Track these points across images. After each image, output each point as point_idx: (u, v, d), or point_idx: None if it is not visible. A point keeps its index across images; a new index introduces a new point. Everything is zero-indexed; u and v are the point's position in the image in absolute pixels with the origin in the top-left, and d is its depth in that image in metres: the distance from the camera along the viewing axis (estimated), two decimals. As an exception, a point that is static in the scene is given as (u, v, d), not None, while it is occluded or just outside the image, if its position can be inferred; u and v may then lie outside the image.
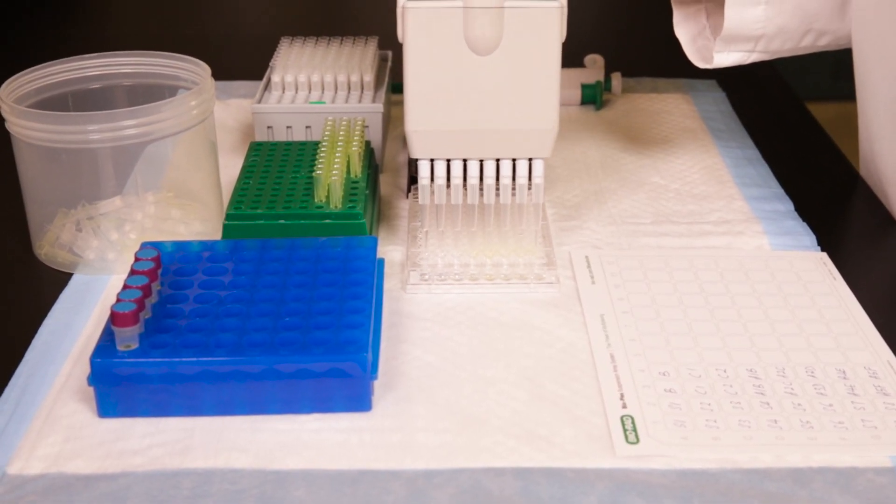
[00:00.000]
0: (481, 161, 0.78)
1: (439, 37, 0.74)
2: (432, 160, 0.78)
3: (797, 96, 1.18)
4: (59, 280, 0.80)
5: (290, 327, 0.66)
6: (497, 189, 0.79)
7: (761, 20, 0.90)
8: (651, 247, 0.84)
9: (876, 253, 0.85)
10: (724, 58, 0.93)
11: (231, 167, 0.93)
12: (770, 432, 0.63)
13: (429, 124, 0.76)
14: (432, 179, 0.78)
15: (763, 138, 1.04)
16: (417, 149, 0.77)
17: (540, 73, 0.76)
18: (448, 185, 0.79)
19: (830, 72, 2.06)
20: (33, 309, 0.76)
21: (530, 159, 0.78)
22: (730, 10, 0.90)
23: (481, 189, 0.79)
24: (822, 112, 1.39)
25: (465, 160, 0.78)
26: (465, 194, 0.79)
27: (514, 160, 0.78)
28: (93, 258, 0.80)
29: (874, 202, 0.93)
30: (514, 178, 0.79)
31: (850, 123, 0.99)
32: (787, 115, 1.14)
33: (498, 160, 0.78)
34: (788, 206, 0.90)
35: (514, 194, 0.79)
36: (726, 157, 1.00)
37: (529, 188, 0.79)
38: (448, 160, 0.78)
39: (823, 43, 0.95)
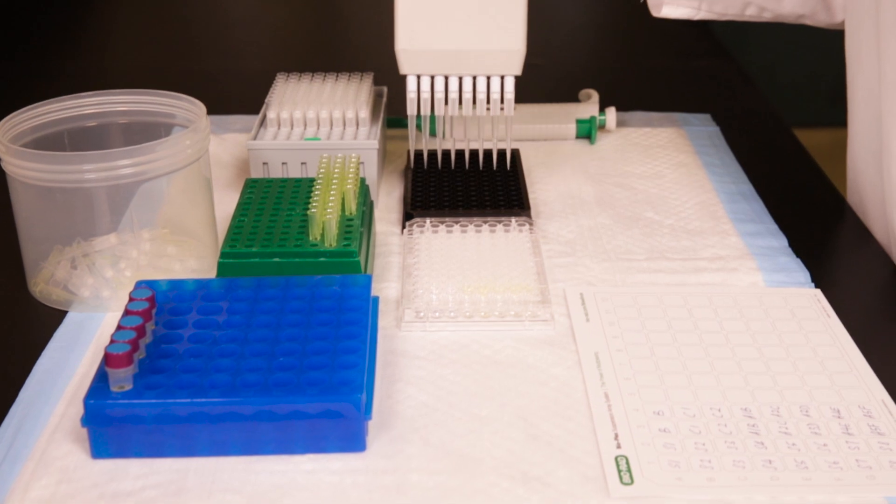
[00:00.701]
0: (461, 78, 0.92)
1: None
2: (419, 77, 0.92)
3: (791, 130, 1.19)
4: (54, 318, 0.80)
5: (284, 367, 0.66)
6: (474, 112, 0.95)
7: None
8: (645, 283, 0.84)
9: (869, 290, 0.85)
10: (672, 10, 1.05)
11: (226, 202, 0.94)
12: (765, 473, 0.63)
13: (416, 44, 0.91)
14: (419, 97, 0.93)
15: (757, 173, 1.05)
16: (406, 65, 0.92)
17: (508, 1, 0.90)
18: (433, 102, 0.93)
19: (827, 98, 2.07)
20: (28, 347, 0.76)
21: (502, 77, 0.92)
22: None
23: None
24: (818, 138, 1.40)
25: (446, 77, 0.92)
26: (446, 110, 0.94)
27: (488, 79, 0.93)
28: (87, 296, 0.80)
29: (867, 238, 0.93)
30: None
31: (844, 151, 1.00)
32: (781, 149, 1.14)
33: (475, 78, 0.92)
34: (782, 241, 0.90)
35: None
36: (720, 192, 1.00)
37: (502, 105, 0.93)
38: (432, 77, 0.92)
39: (768, 17, 1.06)
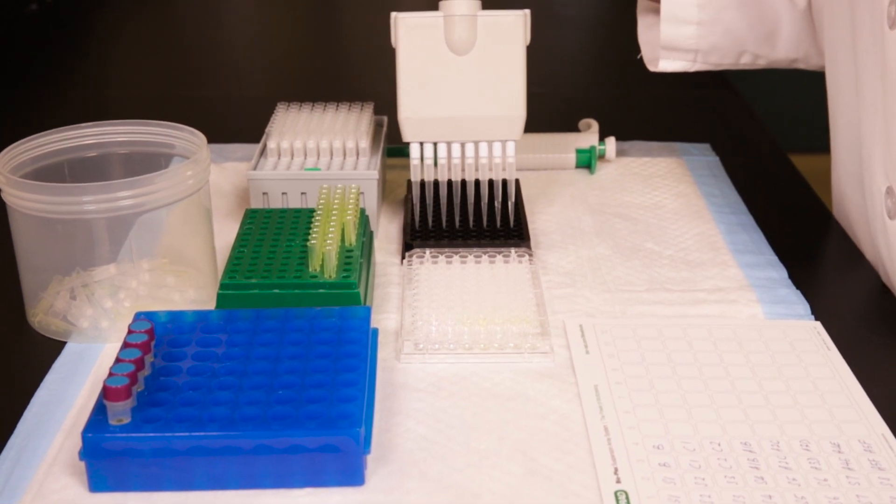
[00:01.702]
0: (462, 145, 0.93)
1: (425, 40, 0.91)
2: (422, 144, 0.93)
3: (790, 160, 1.19)
4: (53, 348, 0.80)
5: (283, 401, 0.66)
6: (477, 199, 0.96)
7: (693, 37, 1.04)
8: (645, 315, 0.84)
9: (869, 322, 0.85)
10: (669, 64, 1.07)
11: (226, 232, 0.94)
12: (765, 508, 0.62)
13: (418, 112, 0.92)
14: (423, 162, 0.94)
15: (757, 203, 1.05)
16: (409, 133, 0.93)
17: (508, 69, 0.92)
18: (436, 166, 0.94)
19: (823, 124, 2.07)
20: (26, 378, 0.76)
21: (504, 142, 0.93)
22: (664, 26, 1.03)
23: (465, 200, 0.96)
24: (813, 164, 1.40)
25: (449, 144, 0.93)
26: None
27: (490, 145, 0.93)
28: (86, 326, 0.80)
29: (867, 270, 0.93)
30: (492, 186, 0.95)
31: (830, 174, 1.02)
32: (780, 179, 1.14)
33: (476, 144, 0.93)
34: (782, 273, 0.90)
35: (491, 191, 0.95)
36: (720, 222, 1.01)
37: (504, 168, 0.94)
38: (435, 144, 0.93)
39: (762, 63, 1.08)
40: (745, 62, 1.07)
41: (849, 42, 0.91)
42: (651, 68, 1.08)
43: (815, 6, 1.03)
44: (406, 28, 0.91)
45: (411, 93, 0.91)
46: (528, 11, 0.92)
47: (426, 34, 0.91)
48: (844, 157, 0.96)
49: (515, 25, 0.91)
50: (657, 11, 1.06)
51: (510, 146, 0.93)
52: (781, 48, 1.06)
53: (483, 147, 0.93)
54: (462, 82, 0.91)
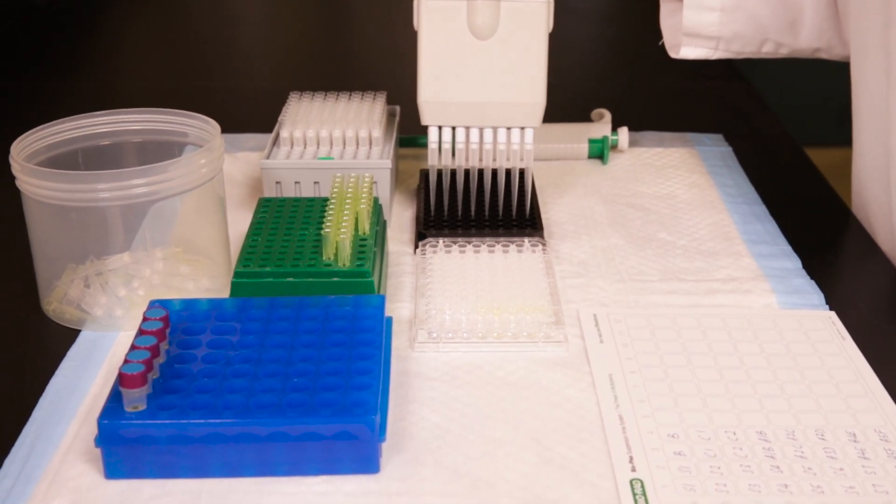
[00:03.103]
0: (481, 130, 0.92)
1: (447, 24, 0.90)
2: (440, 127, 0.93)
3: (803, 150, 1.19)
4: (67, 336, 0.80)
5: (298, 388, 0.66)
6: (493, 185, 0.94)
7: (716, 24, 1.03)
8: (659, 304, 0.84)
9: (884, 312, 0.85)
10: (690, 51, 1.06)
11: (239, 221, 0.94)
12: (780, 497, 0.62)
13: (438, 96, 0.91)
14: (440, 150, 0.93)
15: (770, 193, 1.04)
16: (428, 116, 0.92)
17: (530, 55, 0.91)
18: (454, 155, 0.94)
19: (835, 118, 2.07)
20: (41, 366, 0.76)
21: (522, 129, 0.93)
22: (687, 12, 1.02)
23: (481, 189, 0.95)
24: (826, 158, 1.39)
25: (467, 129, 0.92)
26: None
27: (508, 130, 0.93)
28: (101, 315, 0.80)
29: (882, 259, 0.93)
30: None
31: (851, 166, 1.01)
32: (794, 169, 1.14)
33: (495, 130, 0.93)
34: (796, 263, 0.90)
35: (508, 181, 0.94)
36: (733, 213, 1.00)
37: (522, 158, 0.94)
38: (453, 128, 0.93)
39: (784, 52, 1.07)
40: (767, 51, 1.06)
41: (880, 32, 0.90)
42: (672, 55, 1.07)
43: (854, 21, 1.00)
44: (429, 11, 0.90)
45: (432, 76, 0.91)
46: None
47: (449, 17, 0.90)
48: (868, 149, 0.95)
49: (538, 12, 0.90)
50: None
51: (528, 133, 0.93)
52: (804, 37, 1.05)
53: (501, 133, 0.93)
54: (483, 67, 0.91)
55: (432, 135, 0.93)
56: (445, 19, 0.90)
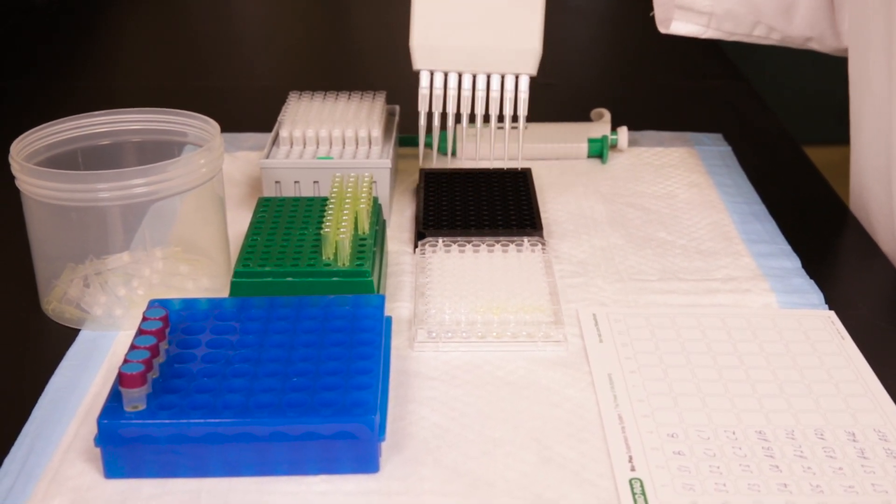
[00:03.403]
0: (474, 76, 0.91)
1: None
2: (432, 73, 0.91)
3: (802, 149, 1.19)
4: (67, 336, 0.80)
5: (297, 388, 0.66)
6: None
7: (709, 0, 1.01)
8: (658, 304, 0.84)
9: (884, 312, 0.85)
10: (681, 27, 1.05)
11: (239, 221, 0.94)
12: (780, 497, 0.62)
13: (431, 39, 0.90)
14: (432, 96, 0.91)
15: (769, 193, 1.04)
16: (420, 60, 0.91)
17: (526, 1, 0.90)
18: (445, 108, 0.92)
19: (835, 115, 2.06)
20: (40, 365, 0.76)
21: (517, 76, 0.91)
22: None
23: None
24: (825, 156, 1.39)
25: (459, 75, 0.91)
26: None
27: (502, 78, 0.91)
28: (100, 314, 0.80)
29: (881, 259, 0.93)
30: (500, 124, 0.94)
31: (849, 166, 1.01)
32: (793, 168, 1.14)
33: (489, 76, 0.91)
34: (795, 262, 0.90)
35: (501, 125, 0.94)
36: (733, 212, 1.00)
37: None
38: (445, 74, 0.91)
39: (776, 38, 1.06)
40: (759, 34, 1.06)
41: (882, 32, 0.89)
42: (662, 30, 1.06)
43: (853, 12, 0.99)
44: None
45: (425, 19, 0.90)
46: None
47: None
48: (868, 149, 0.95)
49: None
50: None
51: (524, 80, 0.92)
52: (797, 23, 1.04)
53: (495, 80, 0.92)
54: (477, 11, 0.90)
55: (423, 80, 0.92)
56: None
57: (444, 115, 0.94)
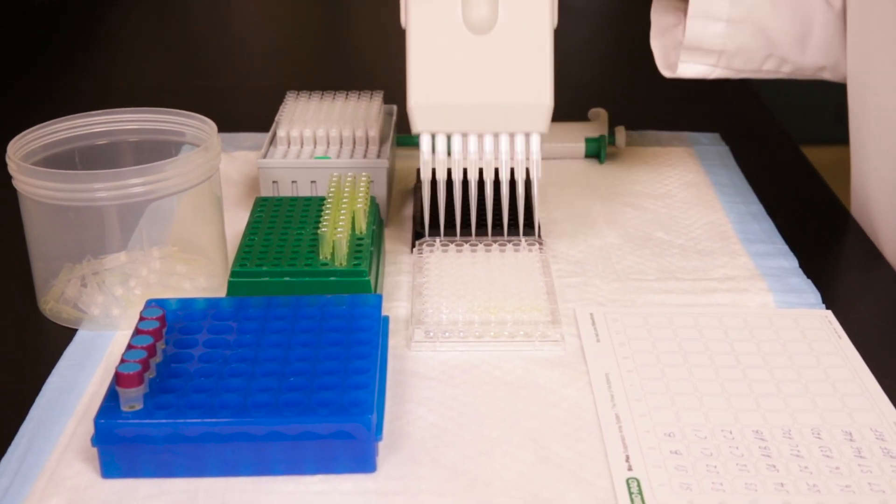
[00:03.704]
0: (480, 137, 0.83)
1: (439, 18, 0.81)
2: (434, 136, 0.83)
3: (800, 149, 1.19)
4: (64, 336, 0.80)
5: (294, 388, 0.66)
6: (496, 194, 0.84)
7: (721, 36, 0.97)
8: (655, 304, 0.84)
9: (880, 311, 0.85)
10: (689, 68, 1.00)
11: (236, 221, 0.94)
12: (777, 496, 0.62)
13: (430, 99, 0.81)
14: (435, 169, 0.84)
15: (767, 193, 1.04)
16: (419, 123, 0.82)
17: (533, 51, 0.81)
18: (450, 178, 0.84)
19: (833, 115, 2.06)
20: (38, 365, 0.76)
21: (527, 135, 0.83)
22: (691, 22, 0.96)
23: (481, 192, 0.85)
24: (824, 156, 1.39)
25: (464, 135, 0.83)
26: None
27: (512, 137, 0.83)
28: (97, 314, 0.80)
29: (878, 258, 0.93)
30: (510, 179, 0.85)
31: (850, 175, 1.00)
32: (791, 168, 1.14)
33: (496, 136, 0.83)
34: (793, 262, 0.90)
35: (511, 200, 0.85)
36: (730, 212, 1.00)
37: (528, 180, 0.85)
38: (448, 136, 0.83)
39: (787, 70, 1.02)
40: (769, 68, 1.01)
41: (890, 47, 0.87)
42: (667, 74, 1.03)
43: (851, 6, 0.96)
44: (418, 3, 0.81)
45: (423, 77, 0.81)
46: None
47: (441, 10, 0.81)
48: (875, 161, 0.92)
49: (541, 2, 0.82)
50: (678, 12, 1.01)
51: (535, 140, 0.83)
52: (811, 53, 1.00)
53: (504, 141, 0.83)
54: (481, 66, 0.81)
55: (425, 143, 0.83)
56: (437, 12, 0.81)
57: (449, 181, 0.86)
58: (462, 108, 0.81)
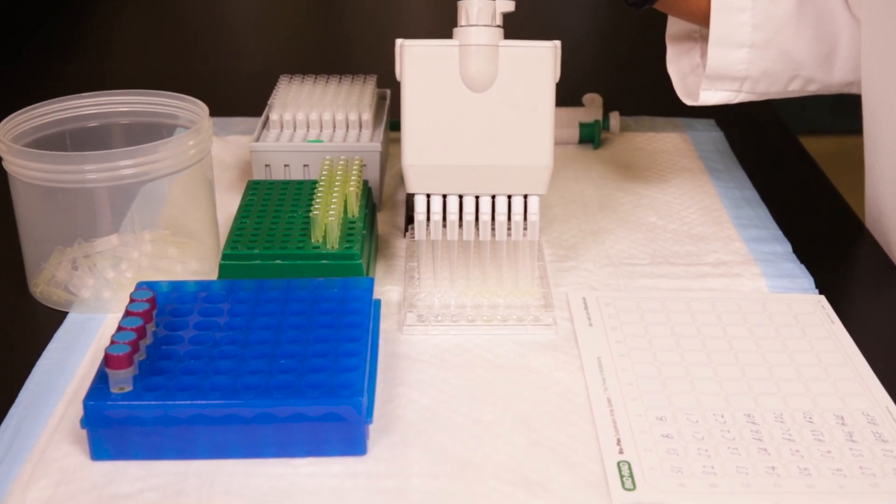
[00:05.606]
0: (477, 197, 0.79)
1: (436, 74, 0.77)
2: (429, 196, 0.79)
3: (795, 136, 1.19)
4: (55, 318, 0.80)
5: (285, 370, 0.65)
6: (493, 228, 0.80)
7: (745, 62, 0.92)
8: (648, 288, 0.84)
9: (874, 296, 0.85)
10: (711, 96, 0.96)
11: (228, 204, 0.93)
12: (768, 479, 0.62)
13: (426, 159, 0.78)
14: (429, 216, 0.79)
15: (761, 178, 1.04)
16: (414, 183, 0.78)
17: (534, 111, 0.77)
18: (444, 224, 0.79)
19: (830, 107, 2.05)
20: (28, 347, 0.76)
21: (526, 196, 0.79)
22: (713, 51, 0.92)
23: (477, 228, 0.80)
24: (820, 146, 1.39)
25: (461, 196, 0.79)
26: (460, 233, 0.80)
27: (509, 197, 0.79)
28: (88, 297, 0.80)
29: (871, 245, 0.93)
30: (509, 217, 0.80)
31: (848, 158, 1.00)
32: (785, 154, 1.14)
33: (494, 197, 0.79)
34: (786, 247, 0.90)
35: (509, 233, 0.80)
36: (724, 197, 1.00)
37: (525, 226, 0.80)
38: (444, 196, 0.79)
39: (813, 89, 0.97)
40: (794, 88, 0.97)
41: None
42: (689, 103, 0.98)
43: (864, 24, 0.91)
44: (414, 59, 0.77)
45: (418, 136, 0.77)
46: (558, 43, 0.78)
47: (438, 67, 0.77)
48: (890, 173, 0.89)
49: (544, 58, 0.77)
50: (693, 34, 0.98)
51: (533, 202, 0.79)
52: (839, 70, 0.95)
53: (501, 202, 0.79)
54: (478, 125, 0.77)
55: (419, 205, 0.79)
56: (434, 69, 0.77)
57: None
58: (459, 168, 0.78)
